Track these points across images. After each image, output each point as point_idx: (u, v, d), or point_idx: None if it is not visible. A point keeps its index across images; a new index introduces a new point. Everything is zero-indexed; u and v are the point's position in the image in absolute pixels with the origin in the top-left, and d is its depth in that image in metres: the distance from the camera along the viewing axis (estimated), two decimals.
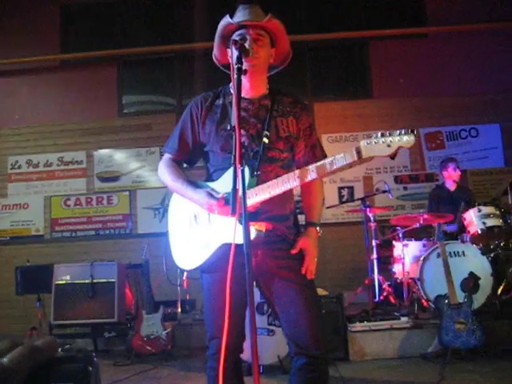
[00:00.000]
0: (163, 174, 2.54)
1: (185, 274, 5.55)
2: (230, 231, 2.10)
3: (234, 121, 2.06)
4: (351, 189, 7.82)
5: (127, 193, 8.00)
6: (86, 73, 8.40)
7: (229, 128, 2.19)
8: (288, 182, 2.18)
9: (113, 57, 8.32)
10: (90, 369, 2.67)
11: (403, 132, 1.97)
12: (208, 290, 2.46)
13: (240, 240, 2.00)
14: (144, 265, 5.38)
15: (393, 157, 2.02)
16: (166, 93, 8.39)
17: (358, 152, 2.02)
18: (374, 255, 5.98)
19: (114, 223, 7.97)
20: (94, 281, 5.46)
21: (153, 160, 7.98)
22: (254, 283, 2.46)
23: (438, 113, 7.96)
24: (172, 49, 8.17)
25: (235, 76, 2.15)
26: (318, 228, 2.48)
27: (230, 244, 2.01)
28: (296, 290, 2.33)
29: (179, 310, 5.82)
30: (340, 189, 7.79)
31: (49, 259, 6.94)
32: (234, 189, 2.03)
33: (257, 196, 2.20)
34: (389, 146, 1.98)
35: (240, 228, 2.00)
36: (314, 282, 2.43)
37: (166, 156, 2.58)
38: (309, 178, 2.15)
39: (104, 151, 8.13)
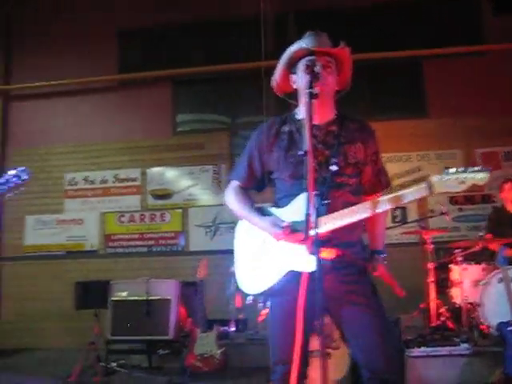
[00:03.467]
0: (230, 200, 2.57)
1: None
2: (298, 258, 2.19)
3: (306, 146, 2.09)
4: (404, 210, 7.69)
5: (180, 210, 8.10)
6: (142, 92, 8.60)
7: (301, 153, 2.20)
8: (358, 213, 2.18)
9: (167, 76, 8.50)
10: None
11: (477, 169, 1.97)
12: (275, 313, 2.46)
13: (308, 268, 2.05)
14: (199, 283, 5.40)
15: None
16: (220, 112, 8.49)
17: (430, 187, 2.02)
18: (431, 278, 5.84)
19: (167, 240, 8.07)
20: (150, 298, 5.52)
21: (205, 178, 8.07)
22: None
23: (495, 133, 7.77)
24: (226, 68, 8.27)
25: (306, 100, 2.18)
26: (384, 255, 2.50)
27: (298, 271, 2.07)
28: (367, 315, 2.30)
29: (232, 329, 5.81)
30: (393, 209, 7.66)
31: (102, 274, 7.07)
32: (307, 214, 2.04)
33: (326, 225, 2.18)
34: (462, 182, 1.98)
35: (309, 256, 2.03)
36: (384, 306, 2.40)
37: (234, 183, 2.61)
38: (380, 210, 2.17)
39: (158, 169, 8.27)
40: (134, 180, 8.28)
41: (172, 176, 8.22)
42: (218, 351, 5.15)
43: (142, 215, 8.18)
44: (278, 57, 2.54)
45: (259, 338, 5.75)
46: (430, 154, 7.85)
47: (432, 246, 5.98)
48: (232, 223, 7.74)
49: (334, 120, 2.48)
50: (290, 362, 2.13)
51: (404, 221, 7.26)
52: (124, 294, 5.61)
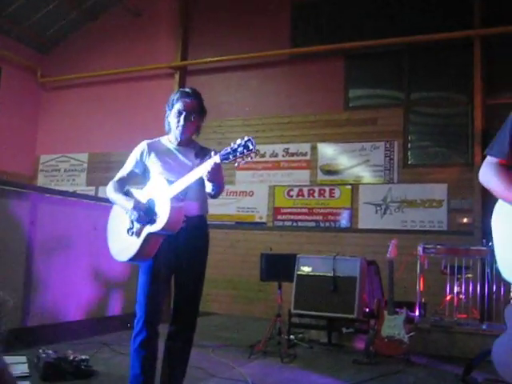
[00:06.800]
0: (488, 178, 2.37)
1: None
2: None
3: None
4: None
5: (349, 187, 7.98)
6: (313, 66, 8.54)
7: None
8: None
9: (340, 50, 8.31)
10: None
11: None
12: None
13: None
14: (389, 263, 5.24)
15: None
16: (393, 87, 8.15)
17: None
18: None
19: (335, 216, 8.01)
20: (336, 275, 5.49)
21: (376, 155, 7.86)
22: None
23: None
24: (399, 41, 7.89)
25: None
26: None
27: None
28: None
29: (417, 313, 5.61)
30: None
31: (269, 247, 7.16)
32: None
33: None
34: None
35: None
36: None
37: (491, 160, 2.40)
38: None
39: (328, 144, 8.19)
40: (304, 155, 8.27)
41: (342, 152, 8.09)
42: (407, 336, 5.00)
43: (310, 190, 8.17)
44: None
45: (444, 325, 5.52)
46: None
47: None
48: (403, 202, 7.52)
49: None
50: None
51: None
52: (309, 268, 5.62)
